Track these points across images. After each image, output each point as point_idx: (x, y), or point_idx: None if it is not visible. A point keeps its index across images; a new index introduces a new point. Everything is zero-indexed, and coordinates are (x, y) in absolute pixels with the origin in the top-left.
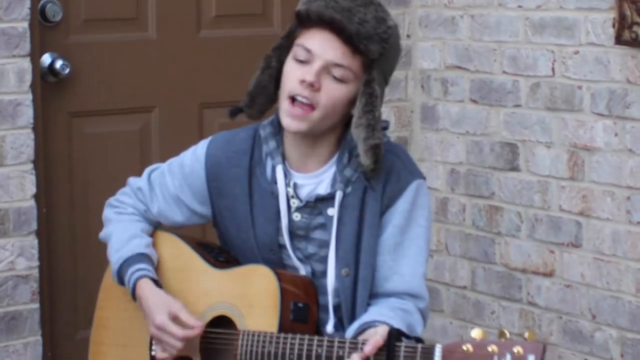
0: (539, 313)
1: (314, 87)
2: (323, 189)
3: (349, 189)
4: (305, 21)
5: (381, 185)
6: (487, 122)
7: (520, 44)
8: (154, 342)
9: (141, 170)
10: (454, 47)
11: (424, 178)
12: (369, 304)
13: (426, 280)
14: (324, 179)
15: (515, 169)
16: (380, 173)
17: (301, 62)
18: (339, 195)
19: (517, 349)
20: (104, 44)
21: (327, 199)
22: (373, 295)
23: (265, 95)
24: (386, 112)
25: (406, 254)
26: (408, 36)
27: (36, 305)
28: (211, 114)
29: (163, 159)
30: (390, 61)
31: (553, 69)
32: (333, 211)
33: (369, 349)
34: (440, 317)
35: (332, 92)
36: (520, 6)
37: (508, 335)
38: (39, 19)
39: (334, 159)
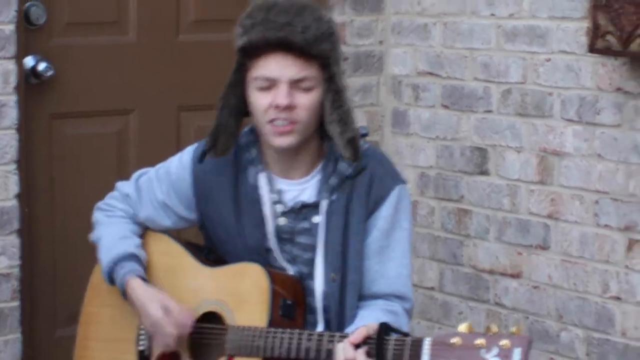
0: (506, 313)
1: (289, 108)
2: (307, 196)
3: (334, 196)
4: (251, 52)
5: (365, 190)
6: (458, 127)
7: (492, 51)
8: (142, 336)
9: (120, 171)
10: (425, 54)
11: (405, 182)
12: (357, 307)
13: None
14: (308, 187)
15: (484, 173)
16: (360, 162)
17: (266, 89)
18: (324, 203)
19: (504, 342)
20: (85, 47)
21: (312, 207)
22: (360, 297)
23: (226, 133)
24: (358, 116)
25: (391, 256)
26: (380, 42)
27: (17, 304)
28: (189, 117)
29: (141, 161)
30: (338, 49)
31: (524, 76)
32: (319, 219)
33: (354, 337)
34: None
35: (306, 104)
36: (493, 14)
37: (495, 329)
38: (23, 21)
39: (319, 167)
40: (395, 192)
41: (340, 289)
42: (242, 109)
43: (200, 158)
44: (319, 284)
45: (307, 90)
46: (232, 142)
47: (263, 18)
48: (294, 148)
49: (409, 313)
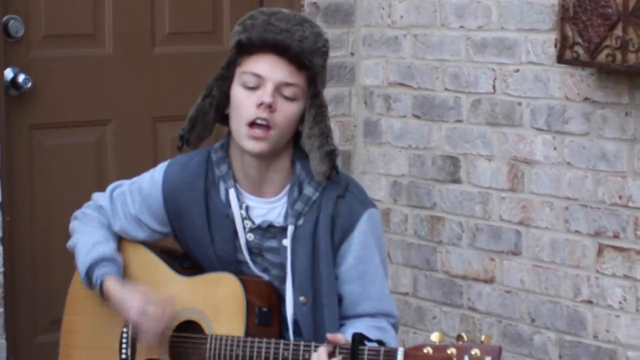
0: (479, 318)
1: (271, 108)
2: (275, 217)
3: (300, 221)
4: (247, 49)
5: (333, 216)
6: (429, 136)
7: (462, 62)
8: (124, 345)
9: (97, 181)
10: (396, 65)
11: (375, 206)
12: (342, 325)
13: None
14: (277, 206)
15: (456, 181)
16: (334, 179)
17: (251, 88)
18: (290, 229)
19: (475, 352)
20: (63, 59)
21: (279, 229)
22: (345, 318)
23: (204, 122)
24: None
25: (373, 280)
26: (352, 54)
27: (1, 310)
28: (164, 127)
29: (118, 170)
30: (326, 71)
31: (494, 86)
32: (287, 242)
33: (331, 336)
34: None
35: (286, 112)
36: (462, 26)
37: (466, 338)
38: (2, 34)
39: (286, 190)
40: (364, 217)
41: (313, 312)
42: (222, 106)
43: (178, 146)
44: (289, 308)
45: (290, 100)
46: (206, 135)
47: (265, 20)
48: (263, 156)
49: (395, 327)
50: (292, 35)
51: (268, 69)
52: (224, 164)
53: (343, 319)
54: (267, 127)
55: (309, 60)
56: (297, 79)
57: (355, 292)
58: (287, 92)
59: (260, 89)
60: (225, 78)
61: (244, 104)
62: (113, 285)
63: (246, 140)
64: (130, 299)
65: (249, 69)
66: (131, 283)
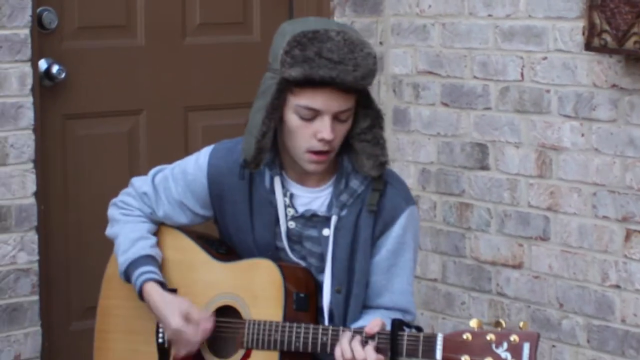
0: (507, 303)
1: (331, 141)
2: (318, 206)
3: (344, 212)
4: (300, 84)
5: (376, 209)
6: (458, 123)
7: (490, 50)
8: (161, 328)
9: (130, 169)
10: (425, 54)
11: (415, 203)
12: (360, 313)
13: None
14: (321, 196)
15: (485, 168)
16: (380, 183)
17: (308, 119)
18: (334, 219)
19: (514, 338)
20: (95, 50)
21: (322, 218)
22: (364, 307)
23: (266, 152)
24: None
25: (398, 274)
26: (381, 43)
27: (36, 297)
28: (195, 117)
29: (150, 159)
30: None
31: (522, 74)
32: (328, 232)
33: (370, 327)
34: None
35: (341, 132)
36: (490, 15)
37: (504, 324)
38: (36, 26)
39: (331, 181)
40: (405, 213)
41: (344, 300)
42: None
43: (241, 175)
44: (326, 297)
45: (344, 121)
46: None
47: (316, 53)
48: None
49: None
50: (346, 68)
51: (324, 103)
52: (270, 152)
53: (362, 307)
54: (326, 152)
55: (362, 85)
56: (351, 102)
57: (380, 283)
58: (343, 116)
59: (317, 120)
60: (277, 107)
61: (302, 132)
62: (152, 292)
63: (306, 163)
64: (171, 314)
65: (303, 104)
66: (169, 291)
